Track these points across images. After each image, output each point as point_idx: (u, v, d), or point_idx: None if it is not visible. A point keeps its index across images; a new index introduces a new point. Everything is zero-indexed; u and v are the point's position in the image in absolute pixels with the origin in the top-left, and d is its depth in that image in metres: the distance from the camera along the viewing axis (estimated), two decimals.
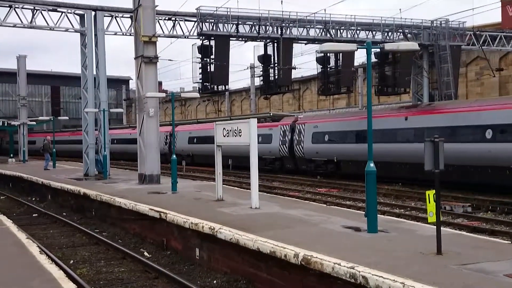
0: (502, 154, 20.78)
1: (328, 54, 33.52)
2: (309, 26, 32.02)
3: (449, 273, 7.36)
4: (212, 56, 30.27)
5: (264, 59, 32.81)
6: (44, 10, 26.92)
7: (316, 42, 32.49)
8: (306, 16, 31.64)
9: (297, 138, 33.28)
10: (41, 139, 67.77)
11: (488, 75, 39.43)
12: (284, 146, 34.46)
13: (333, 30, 32.34)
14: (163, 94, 25.27)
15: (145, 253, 13.18)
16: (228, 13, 30.12)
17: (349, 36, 32.70)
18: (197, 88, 32.99)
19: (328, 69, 34.91)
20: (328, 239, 9.86)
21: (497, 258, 8.18)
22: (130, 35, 27.37)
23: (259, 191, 14.55)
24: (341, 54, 32.58)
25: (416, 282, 6.86)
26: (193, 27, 30.14)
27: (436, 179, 8.60)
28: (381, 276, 7.17)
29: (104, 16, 27.31)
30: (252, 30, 31.08)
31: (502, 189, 20.88)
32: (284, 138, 34.47)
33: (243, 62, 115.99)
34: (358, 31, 33.01)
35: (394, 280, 7.00)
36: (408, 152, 24.67)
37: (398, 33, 33.87)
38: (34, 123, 53.15)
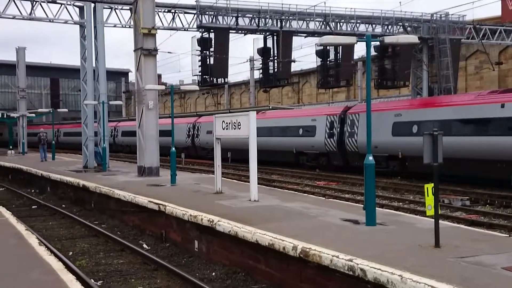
0: None
1: (327, 47, 33.48)
2: (308, 19, 31.97)
3: (447, 266, 7.39)
4: (212, 49, 30.23)
5: (264, 52, 32.77)
6: (44, 2, 26.83)
7: (315, 35, 32.43)
8: (306, 9, 31.59)
9: None
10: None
11: (487, 69, 39.40)
12: None
13: (333, 23, 32.29)
14: (163, 87, 25.26)
15: (144, 245, 13.21)
16: (228, 5, 30.05)
17: (349, 29, 32.64)
18: (197, 81, 32.95)
19: (328, 62, 34.86)
20: (327, 232, 9.88)
21: (495, 251, 8.21)
22: (130, 27, 27.32)
23: (258, 184, 14.57)
24: (340, 47, 32.54)
25: (414, 274, 6.88)
26: (192, 19, 30.08)
27: (434, 172, 8.61)
28: (379, 269, 7.20)
29: (104, 8, 27.23)
30: (252, 23, 31.02)
31: None
32: None
33: (243, 55, 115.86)
34: (358, 24, 32.95)
35: (392, 272, 7.02)
36: None
37: (398, 26, 33.81)
38: (34, 115, 53.09)
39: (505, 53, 41.26)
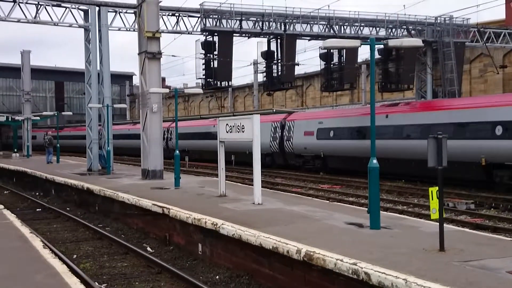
0: None
1: (331, 51, 33.45)
2: (312, 22, 31.97)
3: (451, 270, 7.36)
4: (216, 52, 30.25)
5: (267, 55, 32.76)
6: (48, 5, 26.92)
7: (319, 38, 32.42)
8: (310, 12, 31.58)
9: None
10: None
11: (492, 72, 39.30)
12: None
13: (337, 26, 32.28)
14: (167, 90, 25.32)
15: (148, 248, 13.21)
16: (232, 9, 30.07)
17: (352, 32, 32.63)
18: (200, 84, 32.96)
19: (332, 65, 34.85)
20: (331, 235, 9.86)
21: (500, 255, 8.19)
22: (134, 30, 27.36)
23: (262, 187, 14.55)
24: (344, 50, 32.50)
25: (418, 278, 6.86)
26: (196, 23, 30.11)
27: (439, 176, 8.59)
28: (384, 273, 7.18)
29: (108, 11, 27.31)
30: (256, 26, 31.03)
31: None
32: None
33: (247, 58, 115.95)
34: (361, 28, 32.94)
35: (396, 276, 7.00)
36: None
37: (402, 30, 33.78)
38: (38, 118, 53.24)
39: (509, 57, 41.17)
